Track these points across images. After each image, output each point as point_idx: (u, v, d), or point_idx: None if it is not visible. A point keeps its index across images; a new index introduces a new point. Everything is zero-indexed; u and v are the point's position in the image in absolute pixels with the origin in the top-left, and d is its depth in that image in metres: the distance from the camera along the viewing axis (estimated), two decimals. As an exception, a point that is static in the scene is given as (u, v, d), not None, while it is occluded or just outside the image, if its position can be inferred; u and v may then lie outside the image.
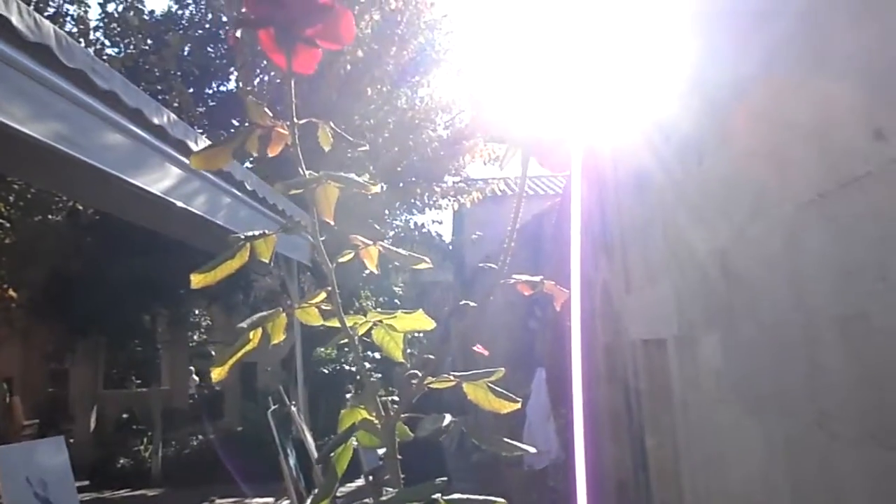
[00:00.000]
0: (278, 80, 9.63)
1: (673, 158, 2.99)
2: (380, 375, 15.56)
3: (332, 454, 0.80)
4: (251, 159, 9.53)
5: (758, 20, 2.24)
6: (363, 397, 0.82)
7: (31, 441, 5.16)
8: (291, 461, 5.11)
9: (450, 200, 11.36)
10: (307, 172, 0.83)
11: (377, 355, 14.16)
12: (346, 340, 0.86)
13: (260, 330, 0.81)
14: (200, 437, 12.17)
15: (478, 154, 10.88)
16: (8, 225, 10.42)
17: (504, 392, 0.84)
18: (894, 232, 1.65)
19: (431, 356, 0.90)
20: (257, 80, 9.85)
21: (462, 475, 8.81)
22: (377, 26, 9.33)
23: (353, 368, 14.30)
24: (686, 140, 2.82)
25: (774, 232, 2.23)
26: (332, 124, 0.90)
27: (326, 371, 13.94)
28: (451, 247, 15.85)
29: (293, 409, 5.33)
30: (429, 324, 0.88)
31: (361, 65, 9.37)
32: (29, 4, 8.82)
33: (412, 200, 11.21)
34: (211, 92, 11.38)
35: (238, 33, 0.86)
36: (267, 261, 0.84)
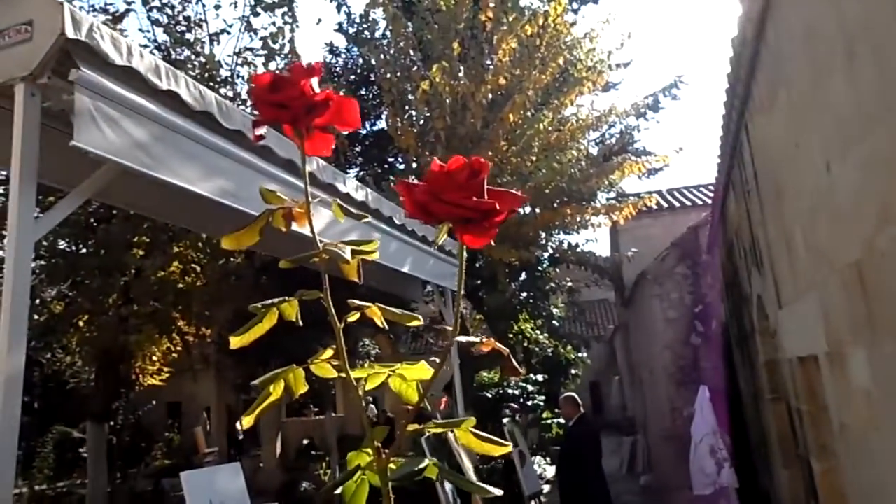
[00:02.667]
0: (427, 114, 10.01)
1: (804, 165, 2.81)
2: (543, 398, 15.51)
3: (336, 491, 0.87)
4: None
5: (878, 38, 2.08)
6: (365, 442, 0.88)
7: (213, 467, 5.68)
8: (448, 486, 5.24)
9: (602, 218, 11.19)
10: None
11: (539, 378, 14.13)
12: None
13: (282, 382, 0.91)
14: (374, 461, 12.71)
15: (628, 169, 10.66)
16: (199, 269, 11.58)
17: (490, 437, 0.87)
18: None
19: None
20: (406, 115, 10.32)
21: (630, 498, 8.56)
22: (515, 54, 9.46)
23: (516, 392, 14.35)
24: (813, 146, 2.64)
25: None
26: (342, 202, 1.00)
27: (489, 395, 14.09)
28: (608, 264, 15.54)
29: (450, 434, 5.44)
30: (428, 373, 0.94)
31: (503, 92, 9.54)
32: (206, 71, 9.89)
33: (565, 221, 11.14)
34: (364, 132, 12.04)
35: (259, 132, 0.98)
36: (294, 320, 0.94)
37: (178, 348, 14.28)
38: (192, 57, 10.12)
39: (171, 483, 13.14)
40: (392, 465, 0.87)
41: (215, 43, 10.70)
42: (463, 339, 0.87)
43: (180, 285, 11.23)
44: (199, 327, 12.94)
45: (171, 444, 18.15)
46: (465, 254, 0.87)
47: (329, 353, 0.96)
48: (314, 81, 0.89)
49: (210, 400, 18.43)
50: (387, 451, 0.92)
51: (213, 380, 17.30)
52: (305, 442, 15.00)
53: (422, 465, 0.85)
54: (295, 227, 3.32)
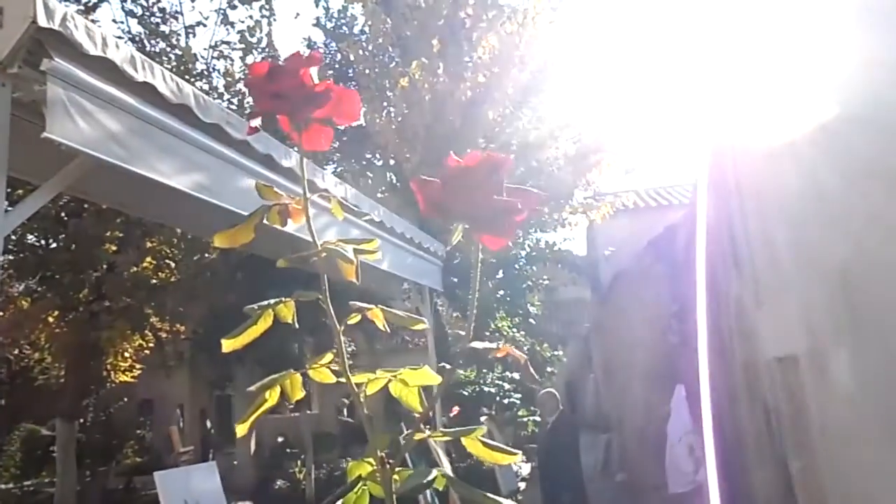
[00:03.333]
0: (406, 111, 9.96)
1: (789, 170, 2.83)
2: (520, 396, 15.56)
3: (339, 502, 0.84)
4: (381, 190, 9.92)
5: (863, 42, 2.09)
6: (367, 451, 0.85)
7: (188, 467, 5.60)
8: (429, 491, 5.18)
9: (580, 216, 11.23)
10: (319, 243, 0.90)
11: (516, 376, 14.13)
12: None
13: (278, 388, 0.87)
14: (349, 459, 12.67)
15: (605, 167, 10.71)
16: (173, 265, 11.42)
17: (500, 445, 0.85)
18: None
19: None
20: (384, 111, 10.25)
21: (605, 496, 8.61)
22: (495, 52, 9.45)
23: (493, 389, 14.37)
24: (800, 152, 2.66)
25: (893, 246, 2.02)
26: (340, 199, 0.97)
27: (466, 393, 14.09)
28: (584, 263, 15.59)
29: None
30: (434, 379, 0.91)
31: (482, 89, 9.52)
32: (182, 64, 9.72)
33: (542, 219, 11.17)
34: (343, 128, 11.95)
35: (254, 123, 0.94)
36: (290, 322, 0.90)
37: (151, 345, 14.08)
38: (168, 49, 9.97)
39: (143, 481, 12.97)
40: (396, 477, 0.84)
41: (191, 35, 10.56)
42: (479, 344, 0.84)
43: (154, 281, 11.07)
44: (173, 323, 12.77)
45: (142, 441, 17.91)
46: (480, 255, 0.83)
47: (329, 357, 0.93)
48: (313, 71, 0.85)
49: (183, 397, 18.20)
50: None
51: (187, 377, 17.07)
52: (280, 440, 14.89)
53: (430, 477, 0.81)
54: (287, 228, 3.27)
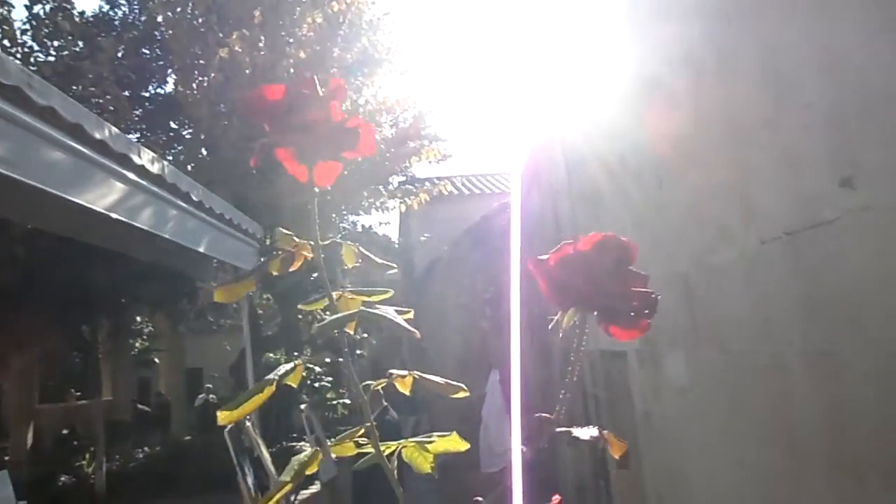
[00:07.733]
0: (221, 82, 9.40)
1: (629, 179, 3.04)
2: (331, 379, 15.44)
3: None
4: (192, 165, 9.31)
5: (724, 61, 2.28)
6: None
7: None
8: (250, 480, 5.01)
9: (397, 201, 11.34)
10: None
11: (327, 359, 13.87)
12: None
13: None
14: (146, 448, 11.84)
15: (424, 155, 10.88)
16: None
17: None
18: (865, 277, 1.67)
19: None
20: (196, 81, 9.60)
21: (420, 476, 8.82)
22: (319, 29, 9.22)
23: (304, 374, 14.10)
24: (644, 163, 2.87)
25: (738, 264, 2.25)
26: (359, 247, 0.90)
27: (276, 377, 13.71)
28: (398, 247, 15.78)
29: (248, 423, 5.21)
30: (463, 445, 0.86)
31: (304, 67, 9.24)
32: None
33: (359, 202, 11.14)
34: (148, 95, 11.05)
35: (259, 157, 0.82)
36: (294, 386, 0.82)
37: None
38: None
39: None
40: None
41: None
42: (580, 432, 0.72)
43: None
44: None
45: None
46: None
47: (361, 430, 0.83)
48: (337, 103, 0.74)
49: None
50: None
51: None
52: (65, 431, 13.53)
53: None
54: (97, 206, 2.94)
